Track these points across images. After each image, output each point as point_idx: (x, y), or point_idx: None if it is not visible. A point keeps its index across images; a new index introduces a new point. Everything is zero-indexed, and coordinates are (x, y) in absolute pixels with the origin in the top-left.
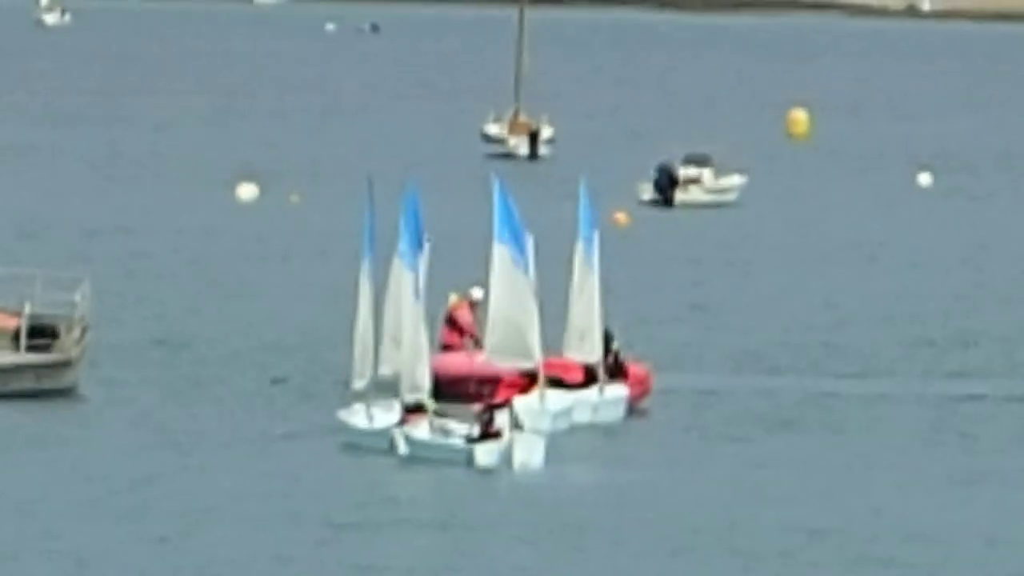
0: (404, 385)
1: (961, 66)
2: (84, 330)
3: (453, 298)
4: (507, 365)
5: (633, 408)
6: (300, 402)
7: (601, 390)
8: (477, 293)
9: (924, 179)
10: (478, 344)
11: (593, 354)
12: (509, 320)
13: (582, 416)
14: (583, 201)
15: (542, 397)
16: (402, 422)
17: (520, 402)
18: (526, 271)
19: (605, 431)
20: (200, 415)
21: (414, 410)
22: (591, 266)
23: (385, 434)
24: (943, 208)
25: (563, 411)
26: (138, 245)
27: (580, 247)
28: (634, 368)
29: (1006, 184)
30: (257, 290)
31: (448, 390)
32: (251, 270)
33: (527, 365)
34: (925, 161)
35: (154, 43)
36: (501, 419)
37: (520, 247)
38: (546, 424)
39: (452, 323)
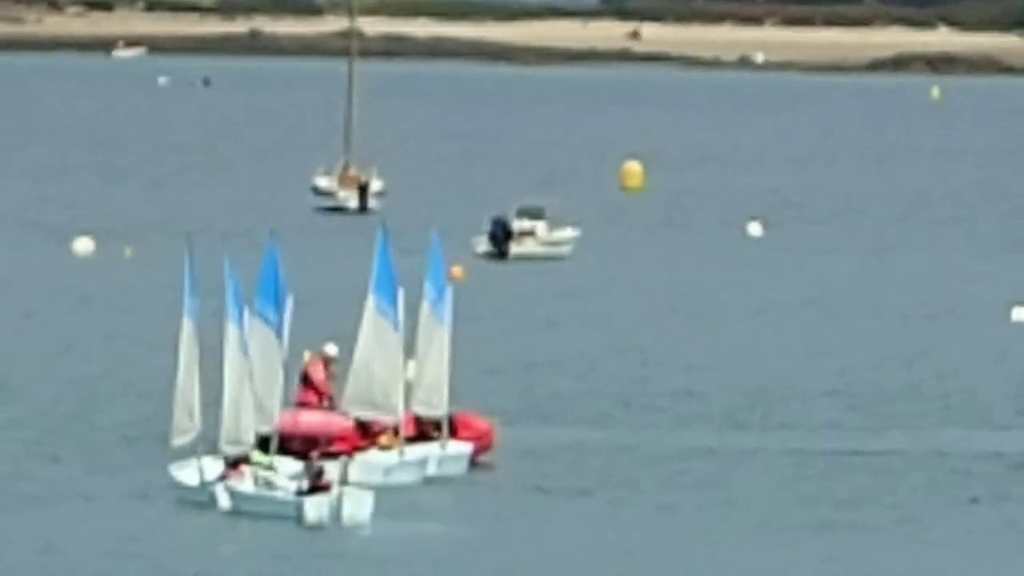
0: (225, 438)
1: (794, 117)
2: None
3: (307, 355)
4: (365, 416)
5: (475, 462)
6: (133, 457)
7: (443, 445)
8: (331, 349)
9: (754, 229)
10: (331, 401)
11: (440, 409)
12: (371, 371)
13: (421, 471)
14: (432, 255)
15: (401, 451)
16: (223, 476)
17: (359, 456)
18: (395, 325)
19: (443, 486)
20: (34, 472)
21: (235, 464)
22: (440, 320)
23: (210, 488)
24: (772, 258)
25: (398, 465)
26: None
27: (426, 301)
28: (476, 422)
29: (837, 234)
30: (92, 344)
31: (284, 445)
32: (86, 324)
33: (387, 418)
34: (756, 212)
35: None
36: (330, 473)
37: (391, 300)
38: (379, 478)
39: (306, 380)
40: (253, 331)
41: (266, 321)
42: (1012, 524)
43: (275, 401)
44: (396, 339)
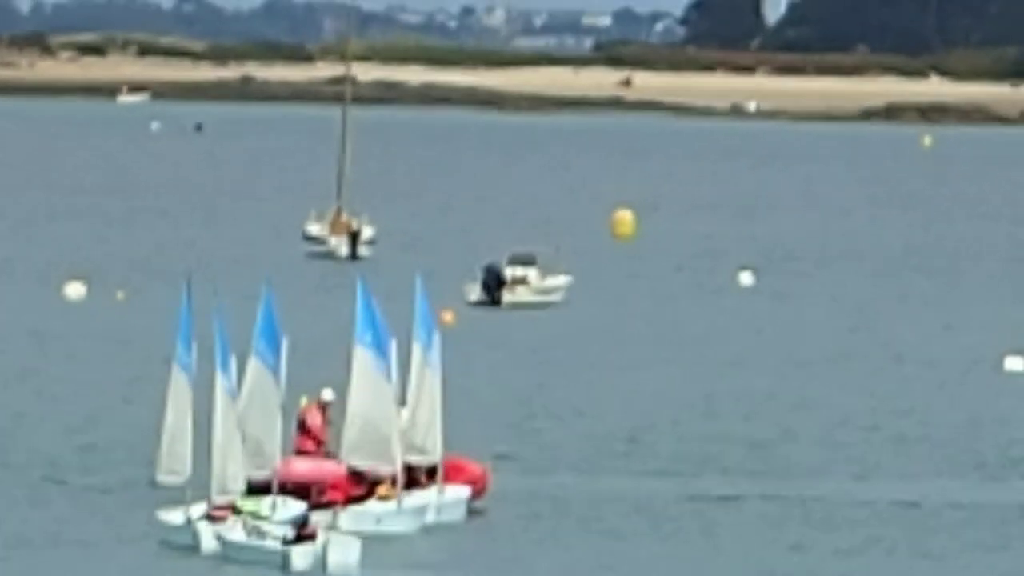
0: (215, 487)
1: (786, 166)
2: None
3: (304, 401)
4: (363, 466)
5: (469, 508)
6: (122, 502)
7: (440, 491)
8: (328, 395)
9: (746, 278)
10: (323, 447)
11: (434, 455)
12: (368, 421)
13: (419, 519)
14: (419, 300)
15: (400, 499)
16: (209, 517)
17: (353, 507)
18: (388, 375)
19: (437, 533)
20: (28, 518)
21: (223, 507)
22: (431, 366)
23: (192, 528)
24: (763, 307)
25: (396, 514)
26: None
27: (417, 348)
28: (470, 467)
29: (829, 283)
30: (86, 389)
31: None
32: (80, 368)
33: (385, 468)
34: (748, 261)
35: None
36: (316, 520)
37: (382, 350)
38: (375, 527)
39: (303, 427)
40: (253, 374)
41: (266, 364)
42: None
43: (274, 445)
44: (389, 388)
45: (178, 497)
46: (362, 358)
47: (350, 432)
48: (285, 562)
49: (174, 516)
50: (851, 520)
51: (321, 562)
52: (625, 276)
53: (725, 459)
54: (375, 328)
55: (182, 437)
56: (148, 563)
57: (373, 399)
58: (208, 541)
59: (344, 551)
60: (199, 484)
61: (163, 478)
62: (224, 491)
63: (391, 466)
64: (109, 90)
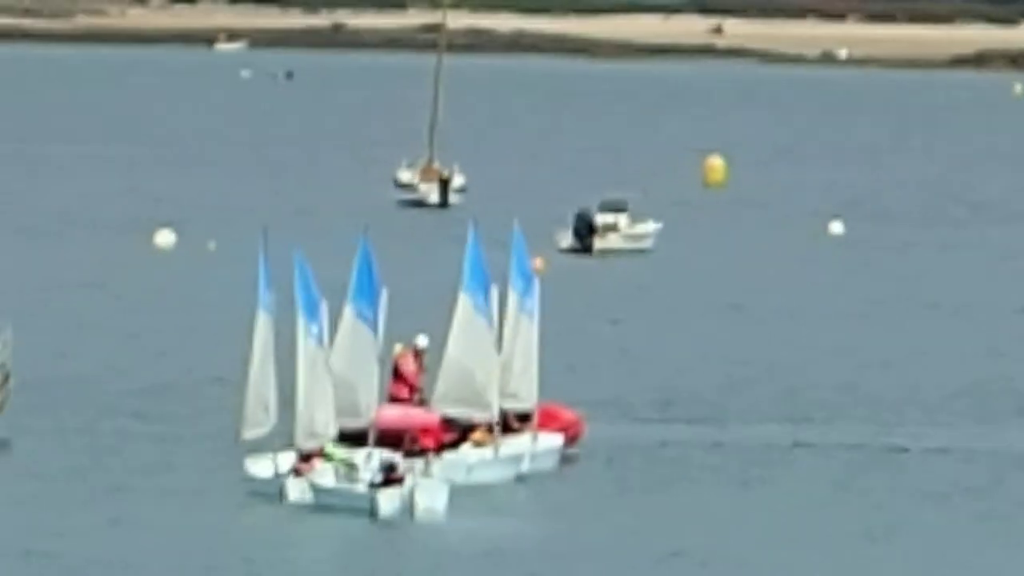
0: (300, 432)
1: (877, 114)
2: (5, 377)
3: (398, 348)
4: (458, 414)
5: (562, 456)
6: (208, 451)
7: (534, 438)
8: (422, 341)
9: (836, 227)
10: (418, 393)
11: (529, 402)
12: (465, 368)
13: (512, 468)
14: (516, 247)
15: (496, 448)
16: (295, 470)
17: (448, 454)
18: (489, 321)
19: (529, 480)
20: (118, 466)
21: (307, 458)
22: (527, 313)
23: (280, 482)
24: (854, 256)
25: (489, 462)
26: (57, 293)
27: (514, 295)
28: (564, 414)
29: (918, 232)
30: (176, 339)
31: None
32: (170, 318)
33: (480, 415)
34: (838, 210)
35: (69, 90)
36: (405, 465)
37: (485, 296)
38: (467, 475)
39: (397, 373)
40: (350, 327)
41: (362, 317)
42: None
43: (371, 396)
44: (490, 335)
45: (264, 446)
46: (465, 304)
47: (447, 378)
48: (372, 506)
49: (261, 465)
50: (954, 466)
51: (408, 506)
52: (715, 223)
53: (815, 408)
54: (482, 275)
55: (267, 385)
56: (235, 512)
57: (473, 345)
58: (295, 493)
59: (431, 496)
60: (285, 432)
61: (249, 431)
62: (312, 438)
63: (487, 413)
64: (205, 38)
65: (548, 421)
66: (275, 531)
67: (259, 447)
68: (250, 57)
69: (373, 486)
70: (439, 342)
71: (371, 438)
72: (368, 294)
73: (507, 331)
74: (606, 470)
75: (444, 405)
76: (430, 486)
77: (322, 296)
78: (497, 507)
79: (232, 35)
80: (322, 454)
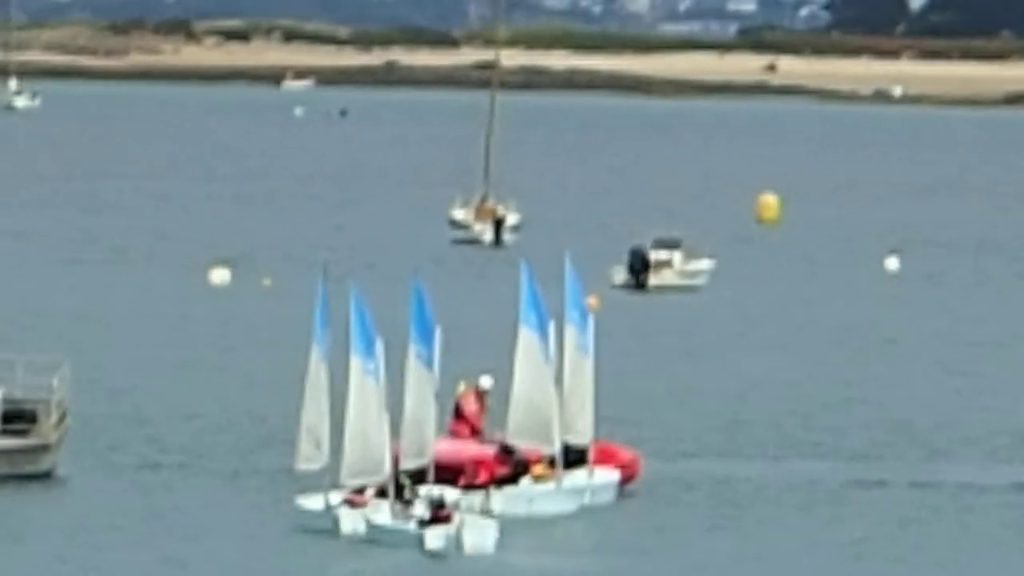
0: (348, 469)
1: (930, 151)
2: (63, 415)
3: (461, 386)
4: (527, 447)
5: (620, 492)
6: (264, 488)
7: (591, 474)
8: (486, 382)
9: (892, 264)
10: (479, 435)
11: (586, 437)
12: (532, 403)
13: (572, 501)
14: (572, 284)
15: (558, 481)
16: (349, 502)
17: (508, 488)
18: (548, 357)
19: (582, 517)
20: (174, 502)
21: (360, 489)
22: (583, 349)
23: (332, 514)
24: (911, 293)
25: (549, 495)
26: (113, 329)
27: (571, 329)
28: (622, 452)
29: (974, 270)
30: (231, 376)
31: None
32: (225, 355)
33: (547, 449)
34: (894, 246)
35: (124, 127)
36: (453, 501)
37: (544, 333)
38: (523, 509)
39: (458, 412)
40: (411, 371)
41: (419, 357)
42: None
43: (429, 436)
44: (550, 370)
45: (317, 483)
46: (527, 340)
47: (516, 413)
48: (420, 543)
49: (313, 502)
50: (988, 504)
51: (456, 543)
52: (769, 260)
53: (871, 445)
54: (539, 310)
55: (321, 423)
56: (288, 547)
57: (538, 380)
58: (348, 525)
59: (480, 533)
60: (337, 470)
61: (303, 464)
62: (365, 476)
63: (551, 446)
64: (257, 76)
65: (605, 460)
66: (327, 568)
67: (311, 485)
68: (309, 95)
69: (422, 523)
70: (499, 379)
71: (429, 476)
72: (423, 334)
73: (566, 367)
74: (661, 507)
75: (516, 439)
76: (478, 523)
77: (378, 334)
78: (549, 543)
79: (299, 73)
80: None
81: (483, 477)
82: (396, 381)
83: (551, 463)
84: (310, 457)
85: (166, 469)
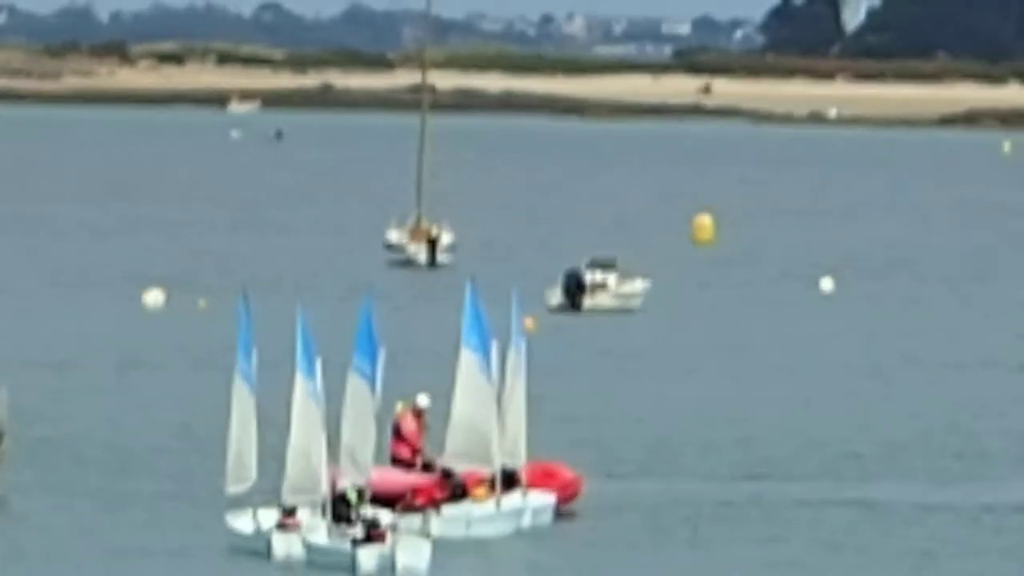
0: (289, 488)
1: (866, 173)
2: (1, 437)
3: (399, 407)
4: (466, 469)
5: (560, 513)
6: (194, 510)
7: (528, 496)
8: (423, 401)
9: (827, 284)
10: (419, 454)
11: (520, 459)
12: (473, 425)
13: (509, 523)
14: (514, 308)
15: (498, 503)
16: (281, 525)
17: (446, 509)
18: (490, 378)
19: (517, 538)
20: (108, 524)
21: (291, 512)
22: (519, 373)
23: (265, 537)
24: (845, 314)
25: (486, 518)
26: (48, 353)
27: (511, 354)
28: (565, 472)
29: (909, 290)
30: (166, 397)
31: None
32: (160, 377)
33: (487, 470)
34: (828, 267)
35: (59, 150)
36: (388, 523)
37: (487, 354)
38: (461, 531)
39: (397, 433)
40: (351, 385)
41: (363, 375)
42: None
43: (368, 455)
44: (492, 392)
45: (245, 501)
46: (468, 361)
47: (456, 435)
48: (353, 563)
49: (243, 522)
50: (933, 523)
51: (390, 564)
52: (705, 282)
53: (807, 466)
54: (481, 331)
55: (247, 445)
56: (221, 569)
57: (478, 402)
58: (281, 548)
59: (413, 553)
60: (267, 491)
61: (231, 487)
62: (304, 494)
63: (491, 467)
64: (209, 99)
65: (548, 479)
66: None
67: (240, 503)
68: (248, 118)
69: (355, 543)
70: (437, 400)
71: (366, 496)
72: (368, 353)
73: (502, 390)
74: (596, 528)
75: (454, 461)
76: (411, 544)
77: (316, 354)
78: (484, 564)
79: (245, 95)
80: (343, 500)
81: (422, 500)
82: (334, 402)
83: (491, 485)
84: (238, 479)
85: (101, 491)
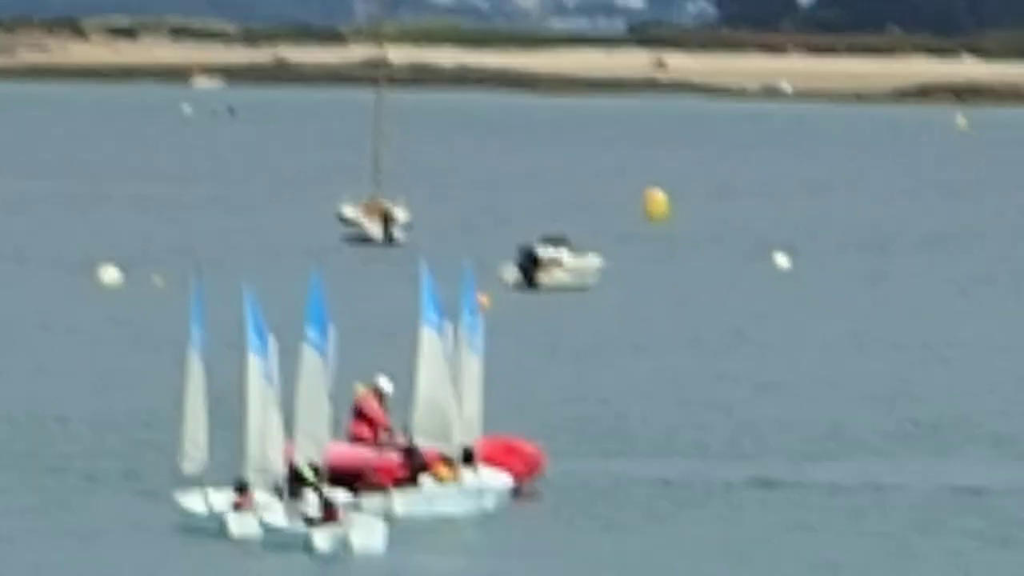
0: (249, 464)
1: (819, 147)
2: None
3: (360, 388)
4: (430, 447)
5: (520, 490)
6: (138, 489)
7: (484, 474)
8: (384, 383)
9: (782, 261)
10: (389, 433)
11: (474, 437)
12: (435, 402)
13: (458, 503)
14: (466, 284)
15: (458, 482)
16: (236, 504)
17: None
18: (447, 356)
19: (478, 518)
20: (62, 504)
21: (243, 490)
22: (474, 350)
23: (219, 517)
24: (799, 289)
25: (439, 497)
26: (3, 330)
27: (463, 332)
28: (526, 447)
29: (863, 265)
30: (122, 375)
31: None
32: (115, 354)
33: (447, 448)
34: (783, 242)
35: (12, 126)
36: (344, 502)
37: (442, 331)
38: (423, 510)
39: (359, 414)
40: (304, 359)
41: (316, 348)
42: None
43: (324, 427)
44: (449, 370)
45: (196, 480)
46: (428, 339)
47: (419, 414)
48: (307, 543)
49: (194, 501)
50: (896, 503)
51: (344, 544)
52: (659, 258)
53: (761, 443)
54: (437, 308)
55: (199, 424)
56: (176, 549)
57: (439, 380)
58: (235, 527)
59: (368, 534)
60: (219, 469)
61: (186, 465)
62: (261, 473)
63: (451, 447)
64: (162, 73)
65: (509, 454)
66: (212, 569)
67: (191, 482)
68: (197, 94)
69: (310, 523)
70: (393, 378)
71: (322, 473)
72: (320, 326)
73: (458, 367)
74: (553, 507)
75: (420, 439)
76: (367, 523)
77: (269, 331)
78: (442, 544)
79: (208, 70)
80: (298, 477)
81: (384, 480)
82: (288, 380)
83: (451, 463)
84: (191, 457)
85: (56, 470)
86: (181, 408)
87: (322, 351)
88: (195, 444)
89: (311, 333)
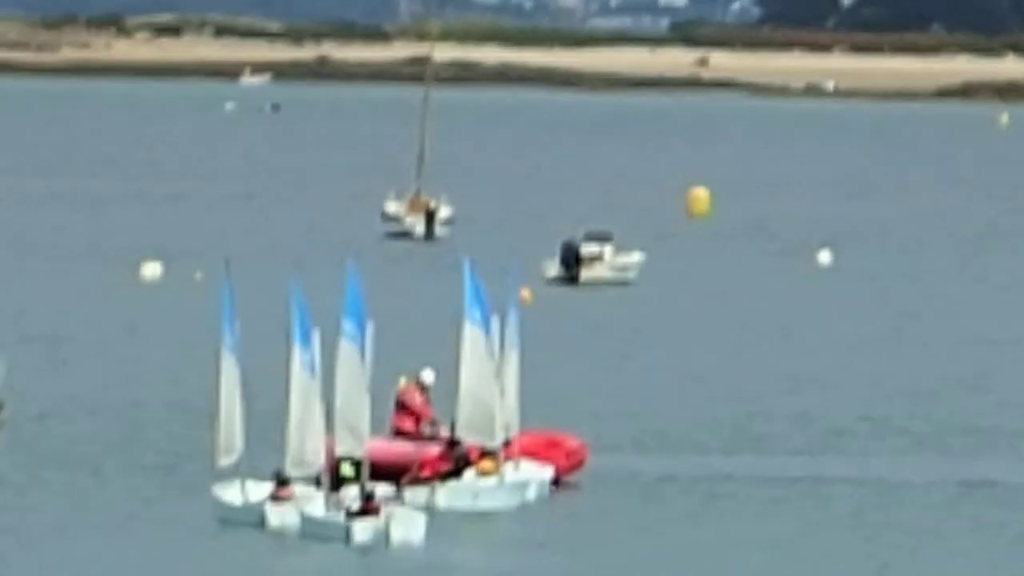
0: (289, 459)
1: (863, 145)
2: (1, 406)
3: (402, 381)
4: (471, 441)
5: (561, 483)
6: (179, 481)
7: (516, 467)
8: (428, 376)
9: (824, 257)
10: (433, 426)
11: (513, 432)
12: (478, 399)
13: (500, 496)
14: (511, 281)
15: (502, 476)
16: (275, 497)
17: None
18: (491, 352)
19: (516, 511)
20: (104, 497)
21: (284, 483)
22: (514, 344)
23: (258, 509)
24: (843, 287)
25: (483, 491)
26: (45, 325)
27: (507, 326)
28: (569, 441)
29: (905, 263)
30: (163, 369)
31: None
32: (156, 348)
33: (490, 444)
34: (825, 240)
35: (56, 123)
36: (384, 495)
37: (488, 328)
38: (467, 503)
39: (402, 407)
40: (341, 353)
41: (353, 342)
42: None
43: (364, 421)
44: (493, 365)
45: (233, 472)
46: (472, 335)
47: (463, 409)
48: (347, 535)
49: (231, 494)
50: (938, 499)
51: (384, 536)
52: (700, 254)
53: (803, 440)
54: (482, 306)
55: (234, 417)
56: (216, 542)
57: (482, 376)
58: (275, 519)
59: (407, 526)
60: (256, 462)
61: (221, 459)
62: (302, 466)
63: (495, 440)
64: (205, 71)
65: (552, 448)
66: (252, 562)
67: (228, 475)
68: (238, 91)
69: (350, 515)
70: (437, 372)
71: (364, 468)
72: (357, 319)
73: (499, 362)
74: (595, 502)
75: (462, 434)
76: (406, 516)
77: (313, 326)
78: (482, 537)
79: (256, 68)
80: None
81: (427, 472)
82: (328, 373)
83: (495, 457)
84: (227, 451)
85: (96, 463)
86: (217, 401)
87: (359, 345)
88: (231, 437)
89: (348, 327)
